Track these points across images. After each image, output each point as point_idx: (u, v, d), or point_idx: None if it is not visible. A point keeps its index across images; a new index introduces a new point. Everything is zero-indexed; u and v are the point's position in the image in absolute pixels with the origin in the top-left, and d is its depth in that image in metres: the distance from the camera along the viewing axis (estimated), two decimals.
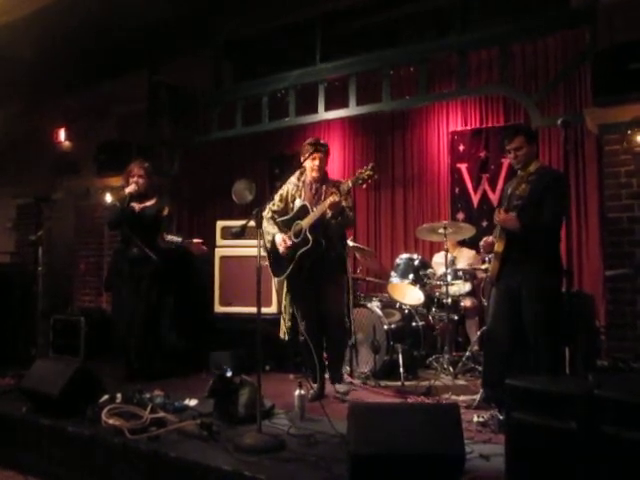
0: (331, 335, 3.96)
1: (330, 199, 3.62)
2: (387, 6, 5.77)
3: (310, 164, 3.88)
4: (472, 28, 5.14)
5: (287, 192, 3.99)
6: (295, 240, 3.81)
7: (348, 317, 4.12)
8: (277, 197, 4.01)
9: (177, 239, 4.75)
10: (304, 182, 3.96)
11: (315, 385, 3.93)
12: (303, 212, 3.82)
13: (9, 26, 5.49)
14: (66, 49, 6.02)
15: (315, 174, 3.88)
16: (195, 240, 4.76)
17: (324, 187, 3.87)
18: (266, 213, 3.99)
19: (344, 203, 3.75)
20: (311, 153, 3.83)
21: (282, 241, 3.84)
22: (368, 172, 3.60)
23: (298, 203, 3.90)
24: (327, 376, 4.01)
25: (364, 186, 3.73)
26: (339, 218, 3.75)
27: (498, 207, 3.55)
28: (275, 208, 4.00)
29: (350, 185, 3.67)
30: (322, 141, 4.04)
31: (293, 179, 4.01)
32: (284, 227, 3.93)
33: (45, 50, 5.77)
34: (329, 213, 3.69)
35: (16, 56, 5.71)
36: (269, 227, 3.94)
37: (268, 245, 3.91)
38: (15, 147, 7.53)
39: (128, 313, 4.51)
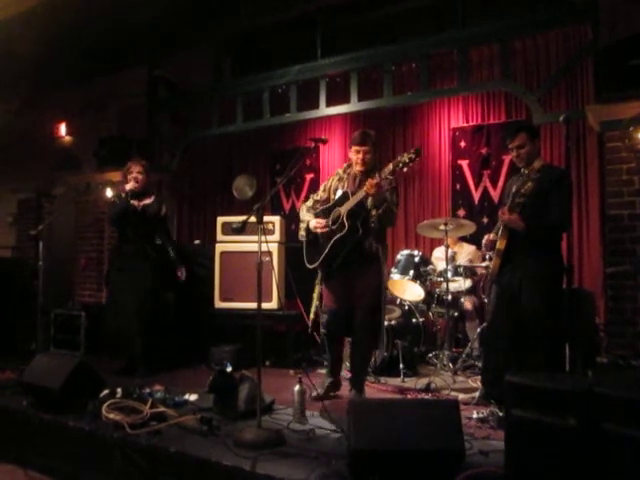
0: (354, 335, 3.79)
1: (369, 181, 3.42)
2: (388, 1, 5.76)
3: (354, 157, 3.72)
4: (473, 24, 5.13)
5: (331, 182, 3.90)
6: (332, 227, 3.66)
7: (379, 320, 3.77)
8: (321, 187, 3.95)
9: (172, 254, 4.72)
10: (349, 174, 3.82)
11: (328, 379, 3.88)
12: (343, 199, 3.66)
13: (8, 21, 5.48)
14: (66, 44, 6.01)
15: (359, 168, 3.71)
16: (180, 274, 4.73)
17: (369, 178, 3.60)
18: (308, 202, 3.94)
19: (388, 198, 3.58)
20: (355, 144, 3.69)
21: (317, 223, 3.72)
22: (410, 155, 3.36)
23: (339, 193, 3.77)
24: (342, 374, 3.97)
25: (405, 169, 3.40)
26: (380, 210, 3.56)
27: (502, 205, 3.53)
28: (318, 198, 3.92)
29: (391, 168, 3.40)
30: (370, 131, 3.82)
31: (339, 170, 3.92)
32: (323, 216, 3.78)
33: (45, 45, 5.75)
34: (370, 200, 3.52)
35: (16, 51, 5.70)
36: (306, 215, 3.86)
37: (303, 233, 3.84)
38: (16, 142, 7.53)
39: (121, 309, 4.49)
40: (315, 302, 3.94)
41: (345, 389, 3.97)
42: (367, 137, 3.71)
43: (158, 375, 4.24)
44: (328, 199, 3.86)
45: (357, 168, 3.73)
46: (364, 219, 3.59)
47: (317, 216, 3.81)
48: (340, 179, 3.85)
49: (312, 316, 3.94)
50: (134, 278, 4.48)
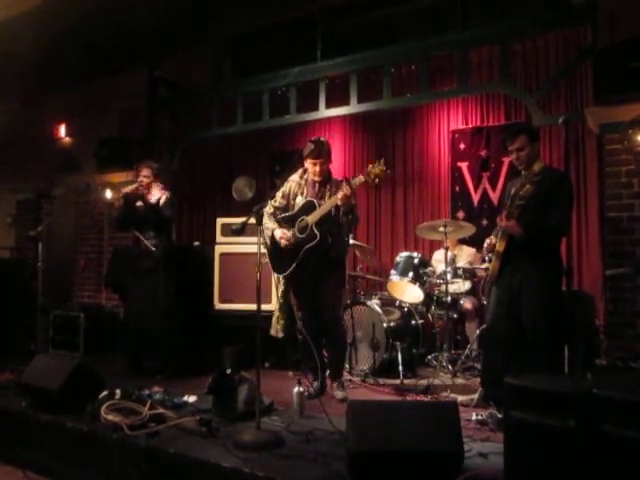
0: (329, 335, 3.92)
1: (341, 192, 3.53)
2: (388, 3, 5.76)
3: (311, 168, 3.81)
4: (473, 26, 5.13)
5: (289, 189, 3.94)
6: (300, 236, 3.73)
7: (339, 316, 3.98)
8: (279, 194, 3.96)
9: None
10: (307, 180, 3.90)
11: (315, 383, 3.93)
12: (309, 208, 3.75)
13: (9, 21, 5.48)
14: (66, 45, 6.02)
15: (317, 178, 3.82)
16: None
17: (327, 186, 3.81)
18: (267, 209, 3.94)
19: (352, 200, 3.67)
20: (311, 158, 3.76)
21: (282, 234, 3.79)
22: (380, 167, 3.48)
23: (300, 200, 3.85)
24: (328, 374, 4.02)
25: (377, 180, 3.53)
26: (350, 216, 3.65)
27: (501, 207, 3.53)
28: (277, 204, 3.95)
29: (362, 180, 3.54)
30: (323, 140, 3.90)
31: (296, 177, 3.96)
32: (286, 224, 3.86)
33: (45, 45, 5.76)
34: (340, 209, 3.60)
35: (16, 51, 5.70)
36: (269, 223, 3.89)
37: (268, 241, 3.86)
38: (15, 143, 7.53)
39: (139, 311, 4.53)
40: (285, 307, 4.00)
41: (348, 389, 3.99)
42: (322, 149, 3.79)
43: (172, 378, 4.26)
44: (287, 205, 3.92)
45: (314, 178, 3.83)
46: (331, 227, 3.68)
47: (280, 224, 3.87)
48: (299, 185, 3.91)
49: (283, 321, 4.02)
50: (143, 278, 4.51)
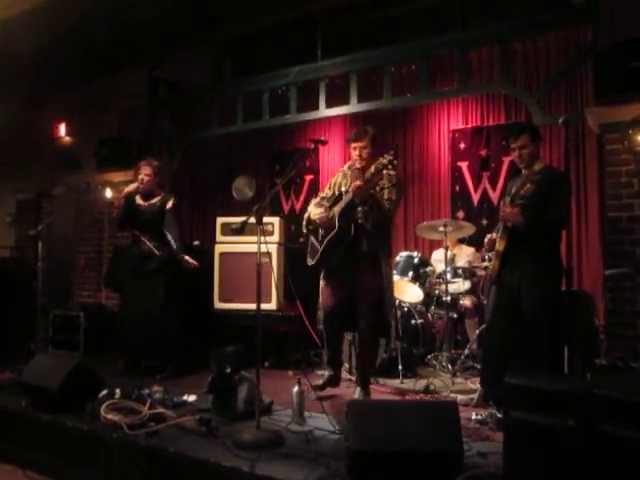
0: (358, 336, 3.85)
1: (353, 184, 3.52)
2: (388, 3, 5.77)
3: (352, 154, 3.78)
4: (473, 25, 5.13)
5: (336, 180, 3.93)
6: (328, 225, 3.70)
7: (385, 321, 3.79)
8: (328, 184, 3.98)
9: (173, 244, 4.63)
10: (353, 171, 3.82)
11: (322, 372, 3.91)
12: (338, 200, 3.73)
13: (9, 21, 5.48)
14: (66, 44, 6.02)
15: (358, 164, 3.75)
16: (188, 259, 4.51)
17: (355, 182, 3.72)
18: (314, 200, 3.97)
19: (386, 195, 3.61)
20: (350, 142, 3.76)
21: (319, 213, 3.74)
22: (388, 158, 3.45)
23: (343, 190, 3.81)
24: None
25: (384, 172, 3.50)
26: (366, 207, 3.56)
27: (503, 200, 3.53)
28: (324, 195, 3.94)
29: (372, 170, 3.49)
30: (367, 127, 3.84)
31: (345, 167, 3.94)
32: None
33: (45, 45, 5.76)
34: (355, 200, 3.55)
35: (16, 51, 5.70)
36: (311, 207, 3.88)
37: (304, 223, 3.87)
38: (15, 142, 7.53)
39: (138, 311, 4.49)
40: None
41: (348, 389, 3.99)
42: (362, 133, 3.75)
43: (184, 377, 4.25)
44: (334, 196, 3.88)
45: (357, 164, 3.77)
46: (356, 220, 3.62)
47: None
48: (344, 176, 3.88)
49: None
50: (144, 278, 4.49)
